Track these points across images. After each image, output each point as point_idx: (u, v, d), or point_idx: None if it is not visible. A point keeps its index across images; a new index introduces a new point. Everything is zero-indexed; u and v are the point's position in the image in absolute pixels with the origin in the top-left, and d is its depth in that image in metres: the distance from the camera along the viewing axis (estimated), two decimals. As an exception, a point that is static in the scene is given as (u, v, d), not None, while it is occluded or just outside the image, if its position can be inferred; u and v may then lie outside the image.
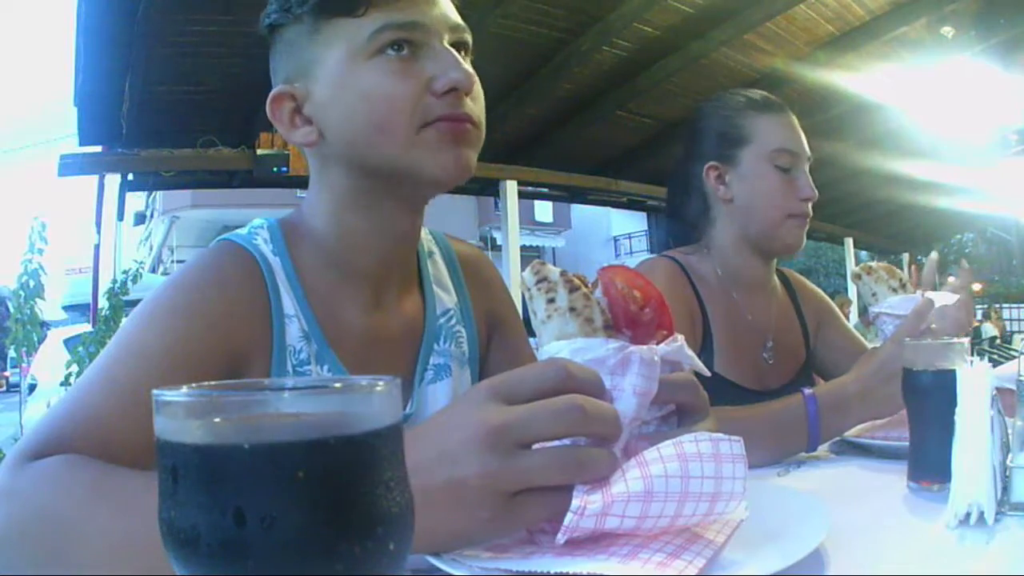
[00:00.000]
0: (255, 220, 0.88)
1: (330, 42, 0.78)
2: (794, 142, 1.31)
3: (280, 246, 0.84)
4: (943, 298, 1.11)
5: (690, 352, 0.60)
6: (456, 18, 0.82)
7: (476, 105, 0.81)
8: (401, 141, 0.77)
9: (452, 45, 0.80)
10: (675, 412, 0.61)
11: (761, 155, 1.30)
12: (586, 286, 0.60)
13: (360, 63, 0.77)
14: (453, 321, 0.97)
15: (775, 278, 1.44)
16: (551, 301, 0.59)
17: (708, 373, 0.62)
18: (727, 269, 1.36)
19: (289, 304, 0.81)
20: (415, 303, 0.94)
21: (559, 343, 0.57)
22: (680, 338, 0.60)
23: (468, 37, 0.83)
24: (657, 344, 0.59)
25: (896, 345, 1.04)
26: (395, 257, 0.89)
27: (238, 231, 0.86)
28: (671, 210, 1.48)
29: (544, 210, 19.18)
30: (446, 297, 0.98)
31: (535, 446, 0.52)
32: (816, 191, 1.29)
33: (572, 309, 0.58)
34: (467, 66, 0.79)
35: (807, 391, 1.08)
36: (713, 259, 1.37)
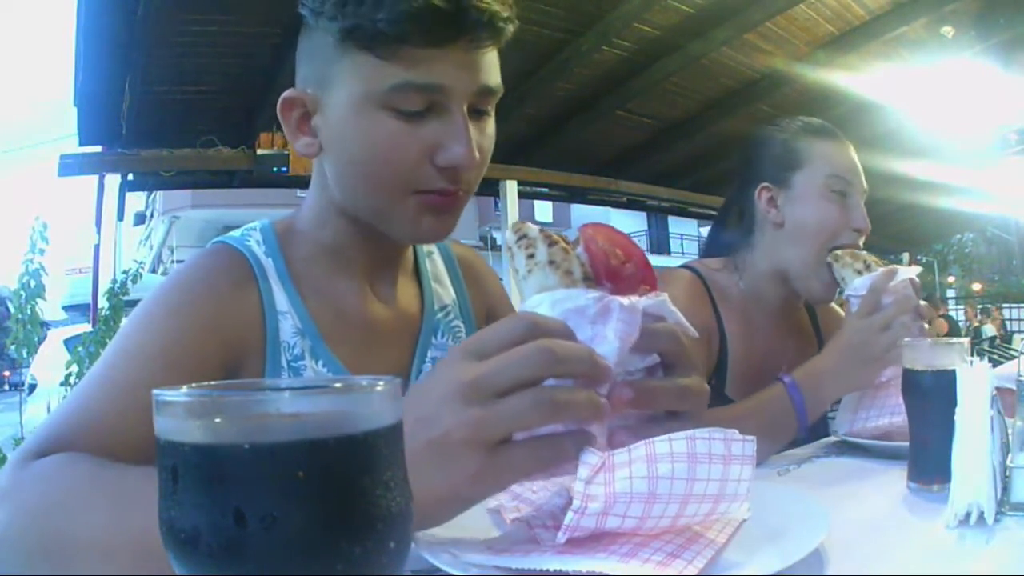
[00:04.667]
0: (250, 223, 0.89)
1: (350, 70, 0.75)
2: (850, 171, 1.27)
3: (272, 246, 0.85)
4: (905, 271, 1.13)
5: (674, 309, 0.59)
6: (489, 80, 0.77)
7: (476, 172, 0.79)
8: (388, 201, 0.78)
9: (474, 107, 0.77)
10: (660, 365, 0.59)
11: (815, 179, 1.26)
12: (567, 242, 0.61)
13: (371, 109, 0.75)
14: (451, 316, 0.98)
15: (801, 308, 1.41)
16: (531, 256, 0.59)
17: (696, 334, 0.60)
18: (753, 291, 1.33)
19: (282, 301, 0.82)
20: (413, 298, 0.95)
21: (540, 296, 0.57)
22: (664, 295, 0.59)
23: (496, 97, 0.79)
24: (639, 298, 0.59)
25: (859, 320, 1.10)
26: (390, 253, 0.91)
27: (232, 233, 0.87)
28: (714, 232, 1.46)
29: (544, 210, 19.16)
30: (444, 293, 0.99)
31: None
32: (869, 224, 1.24)
33: (552, 262, 0.58)
34: (477, 137, 0.76)
35: (786, 379, 1.10)
36: (740, 279, 1.34)
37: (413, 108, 0.74)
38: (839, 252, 1.20)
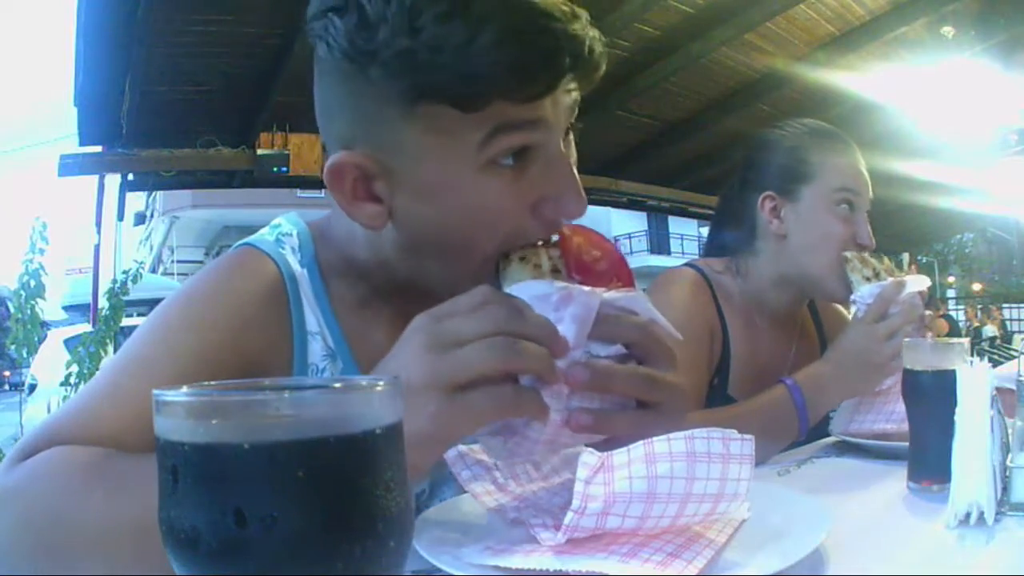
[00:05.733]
0: (283, 224, 0.80)
1: (427, 134, 0.61)
2: (859, 183, 1.25)
3: (309, 256, 0.77)
4: (915, 282, 1.13)
5: (651, 307, 0.58)
6: (578, 93, 0.65)
7: None
8: (478, 263, 0.65)
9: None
10: (630, 357, 0.58)
11: (823, 194, 1.22)
12: (546, 241, 0.64)
13: (466, 174, 0.62)
14: None
15: (804, 309, 1.40)
16: (506, 256, 0.63)
17: (678, 336, 0.59)
18: (756, 296, 1.31)
19: (313, 320, 0.75)
20: None
21: (509, 288, 0.60)
22: (640, 292, 0.60)
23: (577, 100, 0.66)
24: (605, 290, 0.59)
25: (864, 326, 1.10)
26: (433, 295, 0.83)
27: (263, 235, 0.79)
28: (713, 234, 1.44)
29: (544, 210, 19.11)
30: None
31: None
32: (874, 242, 1.23)
33: (522, 258, 0.62)
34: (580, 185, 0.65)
35: (788, 381, 1.10)
36: (743, 283, 1.32)
37: (509, 153, 0.62)
38: (848, 255, 1.19)
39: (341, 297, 0.78)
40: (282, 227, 0.80)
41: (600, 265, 0.62)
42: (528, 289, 0.57)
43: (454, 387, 0.51)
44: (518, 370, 0.52)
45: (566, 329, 0.54)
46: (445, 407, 0.51)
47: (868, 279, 1.16)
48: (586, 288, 0.56)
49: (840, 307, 1.52)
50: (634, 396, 0.56)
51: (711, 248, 1.43)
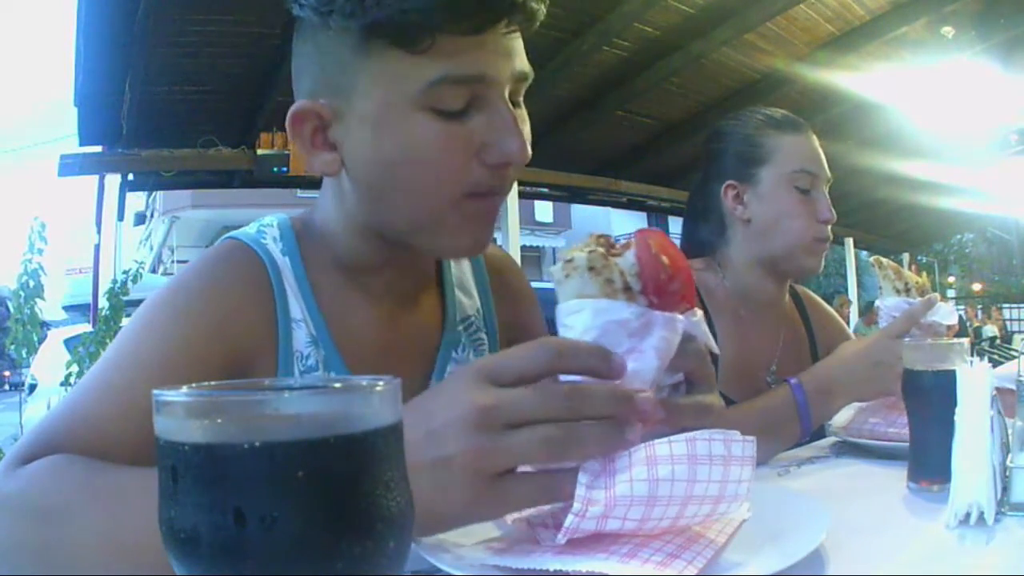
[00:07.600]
0: (265, 218, 0.83)
1: (376, 71, 0.67)
2: (814, 163, 1.29)
3: (290, 245, 0.80)
4: (945, 312, 1.13)
5: (705, 328, 0.60)
6: (523, 65, 0.72)
7: (518, 170, 0.73)
8: (432, 212, 0.71)
9: (511, 98, 0.72)
10: (684, 382, 0.60)
11: (781, 175, 1.27)
12: (613, 247, 0.59)
13: (408, 111, 0.67)
14: (474, 328, 0.92)
15: (787, 298, 1.42)
16: (569, 261, 0.57)
17: (717, 351, 0.62)
18: (738, 288, 1.34)
19: (296, 308, 0.77)
20: (434, 307, 0.89)
21: (581, 302, 0.55)
22: (699, 313, 0.60)
23: (527, 84, 0.74)
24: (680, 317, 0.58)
25: (883, 336, 1.11)
26: (415, 266, 0.85)
27: (246, 229, 0.82)
28: (687, 229, 1.47)
29: (544, 210, 19.12)
30: (468, 302, 0.93)
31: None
32: (835, 213, 1.27)
33: (591, 268, 0.56)
34: (524, 129, 0.71)
35: (792, 380, 1.11)
36: (724, 276, 1.35)
37: (454, 107, 0.68)
38: (884, 261, 1.21)
39: (322, 284, 0.79)
40: (264, 221, 0.83)
41: (673, 285, 0.58)
42: (604, 313, 0.54)
43: (496, 474, 0.50)
44: (572, 460, 0.52)
45: (647, 363, 0.53)
46: (484, 495, 0.50)
47: (899, 291, 1.17)
48: (665, 315, 0.55)
49: (825, 302, 1.53)
50: (691, 426, 0.57)
51: (686, 247, 1.44)
